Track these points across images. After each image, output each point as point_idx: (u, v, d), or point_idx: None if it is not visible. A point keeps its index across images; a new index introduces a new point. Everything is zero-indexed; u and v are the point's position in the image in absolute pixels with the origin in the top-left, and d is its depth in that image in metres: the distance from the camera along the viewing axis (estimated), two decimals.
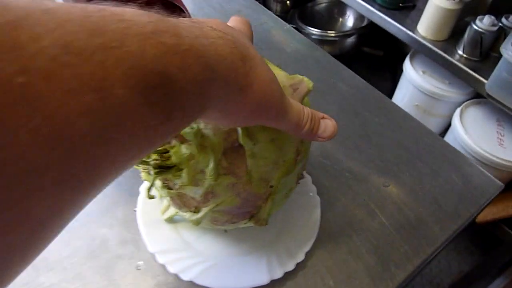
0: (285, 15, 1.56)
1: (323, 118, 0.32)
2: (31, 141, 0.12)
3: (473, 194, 0.50)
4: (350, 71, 0.68)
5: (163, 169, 0.31)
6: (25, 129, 0.11)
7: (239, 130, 0.30)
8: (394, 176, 0.51)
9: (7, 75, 0.11)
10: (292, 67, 0.68)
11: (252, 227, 0.41)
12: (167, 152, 0.32)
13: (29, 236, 0.13)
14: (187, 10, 0.58)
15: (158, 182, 0.35)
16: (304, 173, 0.47)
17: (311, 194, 0.46)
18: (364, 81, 0.66)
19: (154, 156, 0.31)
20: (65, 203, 0.14)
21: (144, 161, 0.31)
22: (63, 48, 0.13)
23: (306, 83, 0.34)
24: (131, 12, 0.16)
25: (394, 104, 0.63)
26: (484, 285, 1.28)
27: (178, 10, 0.58)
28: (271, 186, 0.33)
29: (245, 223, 0.36)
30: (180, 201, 0.35)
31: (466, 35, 1.00)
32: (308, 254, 0.41)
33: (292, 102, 0.29)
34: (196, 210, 0.34)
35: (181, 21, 0.19)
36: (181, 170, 0.32)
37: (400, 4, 1.16)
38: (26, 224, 0.12)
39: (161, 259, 0.39)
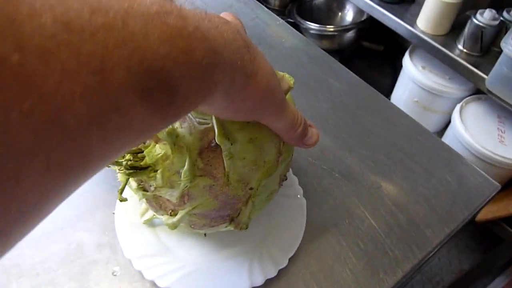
0: (283, 10, 1.53)
1: (310, 125, 0.32)
2: (23, 123, 0.11)
3: (468, 195, 0.48)
4: (344, 67, 0.66)
5: (137, 170, 0.30)
6: (18, 110, 0.11)
7: (216, 129, 0.29)
8: (385, 177, 0.49)
9: (1, 52, 0.10)
10: (284, 63, 0.66)
11: (234, 231, 0.39)
12: (141, 152, 0.30)
13: (16, 220, 0.12)
14: None
15: (133, 184, 0.33)
16: (291, 174, 0.46)
17: (298, 196, 0.44)
18: (358, 77, 0.64)
19: (127, 156, 0.30)
20: (55, 188, 0.13)
21: (117, 161, 0.29)
22: (63, 25, 0.12)
23: (287, 80, 0.32)
24: None
25: (388, 101, 0.61)
26: (485, 284, 1.26)
27: None
28: (251, 188, 0.31)
29: (225, 227, 0.35)
30: (156, 203, 0.34)
31: (466, 30, 0.97)
32: (292, 260, 0.39)
33: (289, 102, 0.28)
34: (173, 213, 0.33)
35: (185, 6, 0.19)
36: (156, 171, 0.30)
37: None
38: (13, 208, 0.12)
39: (136, 265, 0.37)
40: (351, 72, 0.66)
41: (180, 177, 0.29)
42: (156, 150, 0.30)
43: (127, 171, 0.29)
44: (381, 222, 0.44)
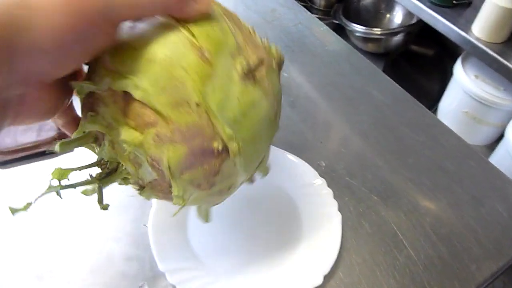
0: (329, 10, 1.49)
1: None
2: None
3: None
4: (388, 78, 0.63)
5: (109, 175, 0.28)
6: None
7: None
8: (428, 203, 0.46)
9: None
10: (326, 72, 0.63)
11: (268, 246, 0.39)
12: (102, 160, 0.28)
13: None
14: None
15: (133, 189, 0.30)
16: (331, 194, 0.43)
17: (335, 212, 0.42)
18: (403, 90, 0.61)
19: (94, 173, 0.28)
20: None
21: (89, 180, 0.28)
22: None
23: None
24: None
25: (435, 118, 0.57)
26: None
27: None
28: (197, 104, 0.24)
29: (230, 164, 0.26)
30: (159, 192, 0.29)
31: None
32: None
33: None
34: (171, 189, 0.28)
35: None
36: (123, 165, 0.28)
37: (454, 2, 1.07)
38: None
39: (171, 279, 0.37)
40: (396, 84, 0.62)
41: (124, 151, 0.25)
42: (105, 145, 0.27)
43: (102, 181, 0.28)
44: (420, 253, 0.41)
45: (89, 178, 0.28)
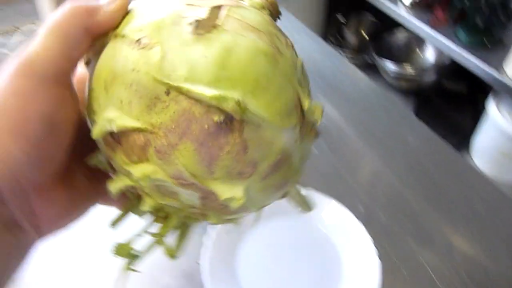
0: (361, 48, 1.54)
1: None
2: None
3: None
4: (421, 122, 0.66)
5: (165, 223, 0.27)
6: None
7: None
8: (463, 248, 0.48)
9: None
10: (359, 116, 0.67)
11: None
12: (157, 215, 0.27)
13: None
14: None
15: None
16: (370, 240, 0.46)
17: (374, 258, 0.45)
18: (435, 134, 0.64)
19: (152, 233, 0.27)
20: None
21: (154, 243, 0.27)
22: None
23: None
24: None
25: (466, 161, 0.59)
26: None
27: None
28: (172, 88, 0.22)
29: (235, 138, 0.22)
30: (217, 208, 0.25)
31: None
32: None
33: None
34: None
35: None
36: (161, 210, 0.26)
37: (485, 41, 1.09)
38: None
39: None
40: (427, 127, 0.65)
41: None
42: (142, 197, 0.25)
43: (163, 234, 0.27)
44: None
45: (152, 239, 0.26)
